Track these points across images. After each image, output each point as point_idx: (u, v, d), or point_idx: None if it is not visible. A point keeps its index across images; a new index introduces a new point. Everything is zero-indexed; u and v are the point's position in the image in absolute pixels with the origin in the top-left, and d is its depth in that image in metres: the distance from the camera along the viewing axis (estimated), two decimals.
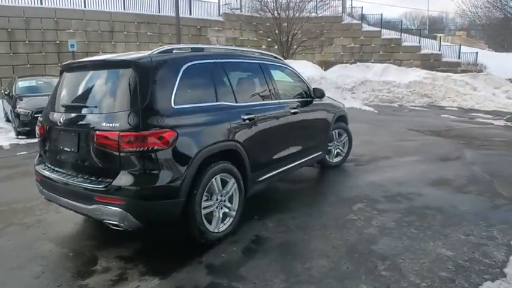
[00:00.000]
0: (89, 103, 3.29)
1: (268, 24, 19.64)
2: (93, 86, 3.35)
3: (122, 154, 2.88)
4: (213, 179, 3.29)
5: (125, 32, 15.93)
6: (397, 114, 12.36)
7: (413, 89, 15.67)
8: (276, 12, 18.73)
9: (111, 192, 2.90)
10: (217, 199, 3.38)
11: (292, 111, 4.42)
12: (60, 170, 3.43)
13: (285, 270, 2.92)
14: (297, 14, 18.54)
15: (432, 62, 20.04)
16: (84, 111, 3.26)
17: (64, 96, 3.55)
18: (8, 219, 4.09)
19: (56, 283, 2.86)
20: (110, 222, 2.99)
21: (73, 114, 3.31)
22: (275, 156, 4.16)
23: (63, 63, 3.78)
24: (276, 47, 19.67)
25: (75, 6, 14.48)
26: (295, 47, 19.62)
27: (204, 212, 3.22)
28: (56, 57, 13.83)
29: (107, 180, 2.96)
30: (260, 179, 3.94)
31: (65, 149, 3.33)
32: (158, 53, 3.26)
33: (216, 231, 3.35)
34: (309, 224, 3.74)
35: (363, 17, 24.49)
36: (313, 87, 5.10)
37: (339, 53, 21.61)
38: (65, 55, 13.47)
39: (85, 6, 14.83)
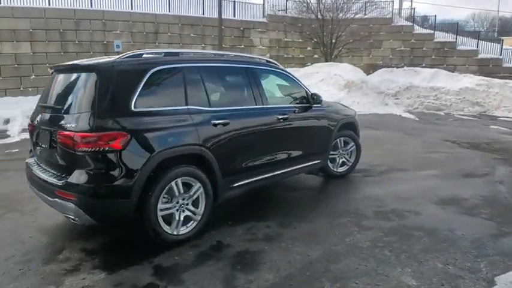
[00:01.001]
0: (59, 104, 3.44)
1: (313, 25, 19.26)
2: (64, 88, 3.51)
3: (76, 153, 3.00)
4: (173, 182, 3.27)
5: (169, 34, 16.46)
6: (439, 123, 11.49)
7: (463, 96, 14.49)
8: (319, 13, 18.29)
9: (67, 188, 3.04)
10: (177, 202, 3.36)
11: (281, 117, 4.23)
12: (39, 164, 3.64)
13: (226, 279, 2.83)
14: (341, 15, 17.95)
15: (491, 68, 18.36)
16: (54, 111, 3.43)
17: (45, 96, 3.72)
18: (13, 206, 4.40)
19: (18, 266, 3.09)
20: (68, 216, 3.16)
21: (47, 114, 3.52)
22: (256, 163, 4.01)
23: (53, 65, 3.95)
24: (321, 48, 19.21)
25: (122, 8, 15.25)
26: (340, 48, 19.02)
27: (161, 213, 3.24)
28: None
29: (66, 177, 3.10)
30: (236, 185, 3.83)
31: (42, 145, 3.54)
32: (125, 58, 3.36)
33: (175, 233, 3.34)
34: (279, 235, 3.57)
35: (423, 19, 23.14)
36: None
37: (387, 56, 20.59)
38: (112, 55, 14.22)
39: (132, 9, 15.55)
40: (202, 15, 17.67)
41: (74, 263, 3.12)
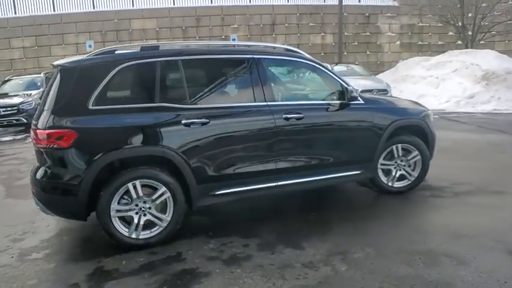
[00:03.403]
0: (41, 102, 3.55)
1: (458, 6, 16.32)
2: (47, 87, 3.58)
3: (37, 149, 3.15)
4: (130, 184, 3.08)
5: (286, 24, 16.24)
6: None
7: None
8: None
9: (32, 181, 3.22)
10: (137, 205, 3.15)
11: (291, 116, 3.54)
12: None
13: None
14: None
15: None
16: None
17: None
18: None
19: (7, 244, 3.42)
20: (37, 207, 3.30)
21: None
22: (250, 169, 3.48)
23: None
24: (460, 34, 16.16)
25: (240, 2, 15.71)
26: (489, 30, 15.61)
27: (117, 214, 3.10)
28: None
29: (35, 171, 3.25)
30: (219, 193, 3.40)
31: None
32: (95, 55, 3.27)
33: (133, 237, 3.16)
34: (246, 259, 3.00)
35: None
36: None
37: None
38: None
39: (250, 1, 15.90)
40: (323, 3, 16.92)
41: (45, 250, 3.27)
